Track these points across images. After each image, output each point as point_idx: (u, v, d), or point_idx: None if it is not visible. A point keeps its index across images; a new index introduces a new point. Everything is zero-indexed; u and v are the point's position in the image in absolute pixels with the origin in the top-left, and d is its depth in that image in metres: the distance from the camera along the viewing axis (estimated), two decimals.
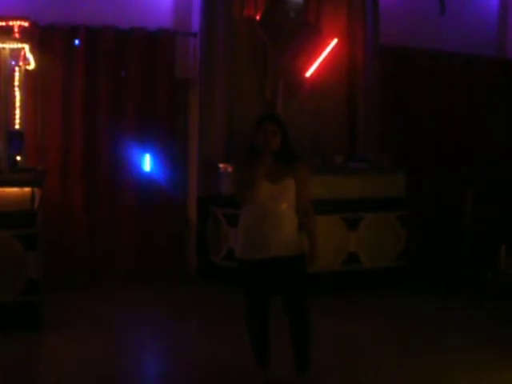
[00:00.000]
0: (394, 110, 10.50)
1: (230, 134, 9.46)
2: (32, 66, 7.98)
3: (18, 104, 7.85)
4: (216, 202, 9.17)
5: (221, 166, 9.15)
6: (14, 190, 6.98)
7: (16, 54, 7.46)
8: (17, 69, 7.80)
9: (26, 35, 7.27)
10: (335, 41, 9.84)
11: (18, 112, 7.88)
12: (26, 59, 7.70)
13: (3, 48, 7.13)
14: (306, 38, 9.61)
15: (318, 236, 5.48)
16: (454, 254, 9.82)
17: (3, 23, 7.14)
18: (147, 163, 9.40)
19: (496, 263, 8.56)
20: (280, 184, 5.23)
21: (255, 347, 5.54)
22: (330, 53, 9.80)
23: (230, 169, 8.87)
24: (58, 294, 8.19)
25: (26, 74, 8.15)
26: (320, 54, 9.74)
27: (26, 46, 7.35)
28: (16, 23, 7.18)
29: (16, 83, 7.81)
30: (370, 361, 6.39)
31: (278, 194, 5.23)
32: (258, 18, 9.52)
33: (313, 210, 5.49)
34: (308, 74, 9.70)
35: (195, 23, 9.47)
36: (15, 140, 7.52)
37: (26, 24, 7.21)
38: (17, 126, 7.87)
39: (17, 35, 7.18)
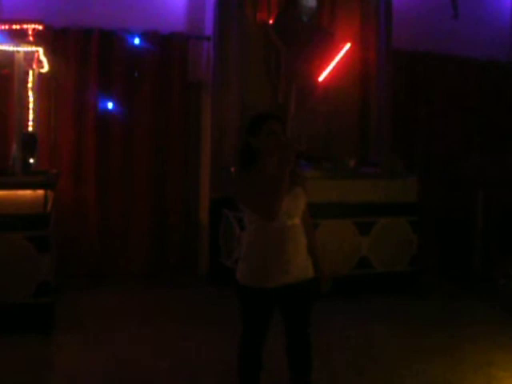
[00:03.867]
0: (406, 114, 10.49)
1: (242, 137, 9.44)
2: (46, 68, 8.01)
3: (31, 107, 7.88)
4: (228, 205, 9.17)
5: (233, 169, 9.15)
6: (27, 192, 7.02)
7: (30, 57, 7.48)
8: (30, 72, 7.82)
9: (39, 38, 7.32)
10: (348, 45, 9.82)
11: (31, 115, 7.91)
12: (39, 62, 7.73)
13: (17, 51, 7.17)
14: (319, 43, 9.60)
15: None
16: (466, 258, 9.80)
17: (17, 26, 7.19)
18: (159, 165, 9.42)
19: (508, 268, 8.54)
20: (291, 194, 4.48)
21: (244, 382, 4.74)
22: (342, 57, 9.78)
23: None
24: (71, 295, 8.26)
25: (40, 77, 8.18)
26: (333, 59, 9.72)
27: (40, 49, 7.39)
28: (30, 26, 7.23)
29: (30, 86, 7.83)
30: (382, 364, 6.39)
31: (293, 207, 4.52)
32: (271, 22, 9.52)
33: (313, 225, 4.90)
34: (321, 78, 9.69)
35: (208, 27, 9.49)
36: (28, 142, 7.54)
37: (40, 27, 7.26)
38: (30, 129, 7.89)
39: (31, 38, 7.23)
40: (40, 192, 7.03)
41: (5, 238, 6.89)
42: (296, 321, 4.64)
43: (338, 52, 9.77)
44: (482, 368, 6.32)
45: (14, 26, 7.18)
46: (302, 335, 4.65)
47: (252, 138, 4.56)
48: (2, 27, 7.10)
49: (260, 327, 4.62)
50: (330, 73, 9.73)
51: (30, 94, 7.84)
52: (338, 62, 9.76)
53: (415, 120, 10.61)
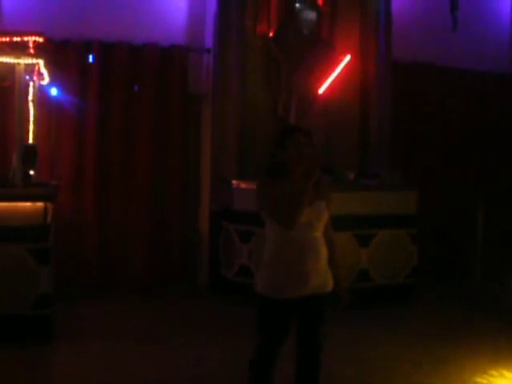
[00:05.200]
0: (405, 125, 10.51)
1: (242, 150, 9.48)
2: (46, 81, 8.03)
3: (31, 119, 7.89)
4: (228, 217, 9.18)
5: (233, 182, 9.17)
6: (27, 204, 7.04)
7: (31, 69, 7.50)
8: (31, 84, 7.83)
9: (40, 51, 7.31)
10: (348, 57, 9.84)
11: (31, 127, 7.91)
12: (40, 74, 7.74)
13: (18, 63, 7.18)
14: (319, 55, 9.61)
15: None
16: (466, 269, 9.81)
17: (18, 38, 7.19)
18: (159, 176, 9.43)
19: (508, 278, 8.56)
20: (315, 206, 4.53)
21: None
22: (342, 69, 9.79)
23: (243, 185, 8.90)
24: (70, 306, 8.26)
25: (41, 89, 8.19)
26: (333, 71, 9.74)
27: (41, 62, 7.38)
28: (31, 39, 7.23)
29: (30, 98, 7.84)
30: (382, 376, 6.38)
31: (315, 219, 4.55)
32: (271, 34, 9.55)
33: (335, 239, 4.87)
34: (321, 90, 9.70)
35: (208, 39, 9.53)
36: (29, 154, 7.55)
37: (40, 39, 7.26)
38: (30, 141, 7.90)
39: (31, 50, 7.22)
40: (40, 204, 7.04)
41: (5, 249, 6.90)
42: (309, 332, 4.65)
43: (338, 64, 9.78)
44: (483, 379, 6.31)
45: (15, 39, 7.18)
46: (314, 350, 4.66)
47: (279, 150, 4.63)
48: (3, 39, 7.12)
49: (276, 340, 4.60)
50: (329, 85, 9.74)
51: (31, 106, 7.84)
52: (337, 74, 9.78)
53: (414, 131, 10.62)
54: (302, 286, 4.52)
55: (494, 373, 6.48)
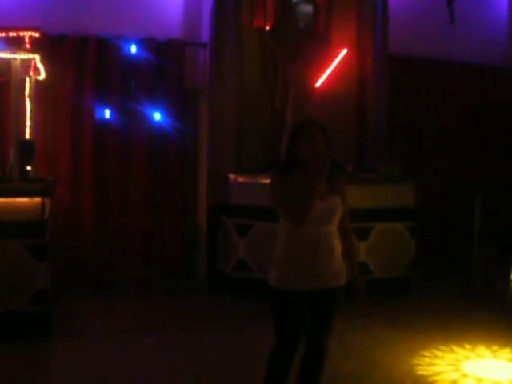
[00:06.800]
0: (402, 119, 10.50)
1: (239, 144, 9.47)
2: (42, 76, 8.01)
3: (28, 114, 7.86)
4: (226, 212, 9.17)
5: (231, 176, 9.16)
6: (25, 199, 7.02)
7: (27, 65, 7.47)
8: (27, 79, 7.81)
9: (36, 46, 7.32)
10: (345, 51, 9.84)
11: (28, 122, 7.89)
12: (36, 69, 7.72)
13: (14, 58, 7.19)
14: (316, 48, 9.59)
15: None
16: (465, 263, 9.81)
17: (14, 34, 7.20)
18: (157, 171, 9.42)
19: (506, 273, 8.56)
20: (328, 201, 4.54)
21: None
22: (339, 63, 9.79)
23: (240, 179, 8.90)
24: (68, 302, 8.24)
25: (37, 85, 8.17)
26: (330, 64, 9.73)
27: (37, 57, 7.38)
28: (27, 34, 7.24)
29: (27, 93, 7.82)
30: (381, 370, 6.38)
31: (329, 214, 4.56)
32: (267, 28, 9.53)
33: (352, 231, 4.93)
34: (318, 83, 9.69)
35: (205, 34, 9.50)
36: (26, 150, 7.53)
37: (36, 35, 7.27)
38: (27, 136, 7.88)
39: (27, 46, 7.24)
40: (37, 199, 7.02)
41: (2, 245, 6.88)
42: (317, 325, 4.66)
43: (335, 58, 9.78)
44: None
45: (11, 34, 7.19)
46: (319, 340, 4.69)
47: (292, 145, 4.59)
48: None
49: (291, 333, 4.60)
50: (326, 78, 9.73)
51: (27, 101, 7.82)
52: (334, 68, 9.78)
53: (412, 125, 10.62)
54: (313, 280, 4.53)
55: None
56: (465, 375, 6.29)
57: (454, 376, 6.26)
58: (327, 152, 4.43)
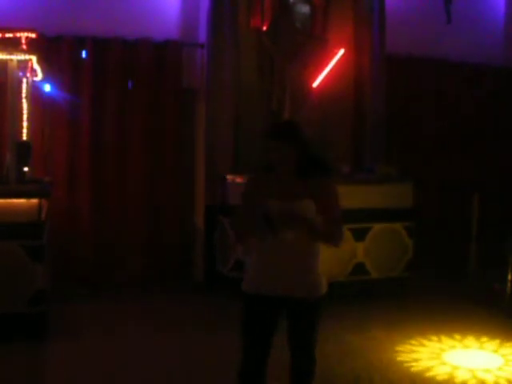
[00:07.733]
0: (400, 119, 10.49)
1: (236, 144, 9.47)
2: (39, 77, 8.00)
3: (25, 115, 7.86)
4: (223, 212, 9.16)
5: (228, 176, 9.15)
6: (22, 201, 7.01)
7: (23, 66, 7.46)
8: (24, 80, 7.80)
9: (33, 47, 7.29)
10: (342, 51, 9.83)
11: (25, 123, 7.88)
12: (33, 70, 7.71)
13: (11, 59, 7.16)
14: (313, 49, 9.60)
15: (320, 237, 4.45)
16: (463, 263, 9.81)
17: (11, 35, 7.18)
18: (154, 172, 9.41)
19: (504, 273, 8.57)
20: (297, 206, 4.32)
21: None
22: (336, 63, 9.79)
23: (238, 179, 8.90)
24: (65, 303, 8.24)
25: (34, 86, 8.16)
26: (327, 65, 9.73)
27: (34, 58, 7.35)
28: (23, 35, 7.21)
29: (23, 94, 7.81)
30: (379, 370, 6.37)
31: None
32: (264, 28, 9.53)
33: (341, 225, 4.64)
34: (315, 84, 9.69)
35: (202, 34, 9.50)
36: (22, 151, 7.52)
37: (33, 35, 7.24)
38: (24, 137, 7.87)
39: (24, 47, 7.21)
40: (34, 201, 7.01)
41: None
42: (298, 339, 4.53)
43: (332, 58, 9.78)
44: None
45: (8, 35, 7.16)
46: (304, 355, 4.53)
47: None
48: None
49: (259, 341, 4.50)
50: (323, 79, 9.74)
51: (24, 102, 7.81)
52: (331, 68, 9.77)
53: (409, 125, 10.61)
54: (276, 283, 4.41)
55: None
56: (456, 367, 6.31)
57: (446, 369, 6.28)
58: (281, 159, 4.42)
